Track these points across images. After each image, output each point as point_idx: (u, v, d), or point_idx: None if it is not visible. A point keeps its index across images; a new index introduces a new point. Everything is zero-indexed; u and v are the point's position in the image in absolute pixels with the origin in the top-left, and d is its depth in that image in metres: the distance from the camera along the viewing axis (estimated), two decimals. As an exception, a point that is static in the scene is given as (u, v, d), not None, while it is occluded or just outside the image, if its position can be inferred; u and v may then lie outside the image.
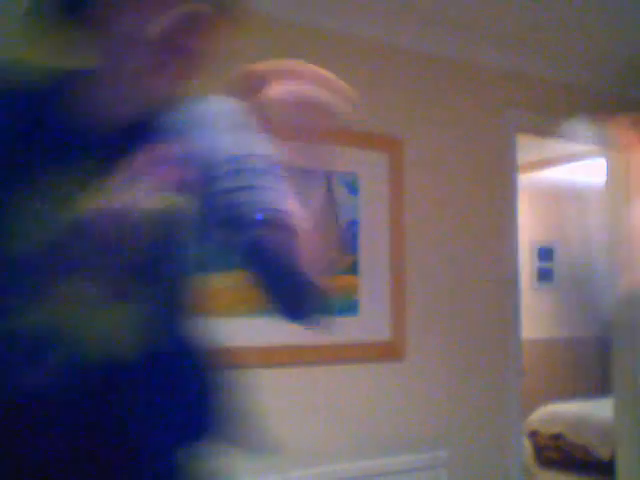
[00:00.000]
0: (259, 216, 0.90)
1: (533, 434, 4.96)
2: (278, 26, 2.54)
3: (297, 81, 0.79)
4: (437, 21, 2.83)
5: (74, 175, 0.86)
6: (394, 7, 2.70)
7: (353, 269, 2.66)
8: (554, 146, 3.97)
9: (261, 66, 0.83)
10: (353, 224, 2.68)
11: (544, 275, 5.94)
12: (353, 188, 2.69)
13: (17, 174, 0.87)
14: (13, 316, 0.83)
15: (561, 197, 5.73)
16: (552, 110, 3.27)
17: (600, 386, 5.11)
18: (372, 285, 2.69)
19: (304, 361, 2.51)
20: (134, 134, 0.89)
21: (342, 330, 2.62)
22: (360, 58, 2.76)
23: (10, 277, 0.85)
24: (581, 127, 3.14)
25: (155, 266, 0.87)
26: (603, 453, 4.40)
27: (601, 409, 4.45)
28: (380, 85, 2.80)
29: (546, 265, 5.95)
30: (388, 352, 2.73)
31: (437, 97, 2.96)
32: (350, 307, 2.64)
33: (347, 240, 2.64)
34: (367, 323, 2.67)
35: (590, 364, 5.68)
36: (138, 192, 0.80)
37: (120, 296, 0.86)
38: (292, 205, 0.91)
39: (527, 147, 3.63)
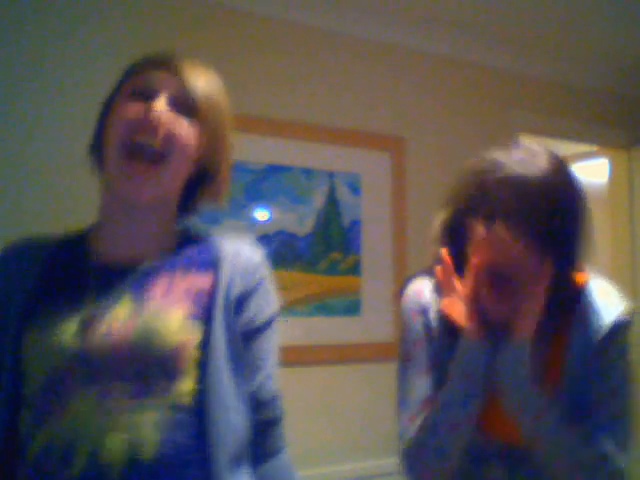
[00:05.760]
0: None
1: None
2: (279, 26, 2.53)
3: None
4: (441, 21, 2.83)
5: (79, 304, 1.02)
6: (396, 7, 2.69)
7: (355, 270, 2.65)
8: (557, 147, 3.96)
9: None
10: (355, 224, 2.67)
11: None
12: (355, 188, 2.68)
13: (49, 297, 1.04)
14: (46, 425, 0.96)
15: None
16: (555, 111, 3.26)
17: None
18: (374, 285, 2.69)
19: (305, 361, 2.50)
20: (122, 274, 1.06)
21: (344, 330, 2.61)
22: (362, 58, 2.75)
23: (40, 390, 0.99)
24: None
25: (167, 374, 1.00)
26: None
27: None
28: (382, 85, 2.79)
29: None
30: (390, 353, 2.71)
31: (439, 97, 2.96)
32: (352, 307, 2.63)
33: (350, 241, 2.64)
34: (369, 324, 2.67)
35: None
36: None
37: (138, 402, 0.96)
38: None
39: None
